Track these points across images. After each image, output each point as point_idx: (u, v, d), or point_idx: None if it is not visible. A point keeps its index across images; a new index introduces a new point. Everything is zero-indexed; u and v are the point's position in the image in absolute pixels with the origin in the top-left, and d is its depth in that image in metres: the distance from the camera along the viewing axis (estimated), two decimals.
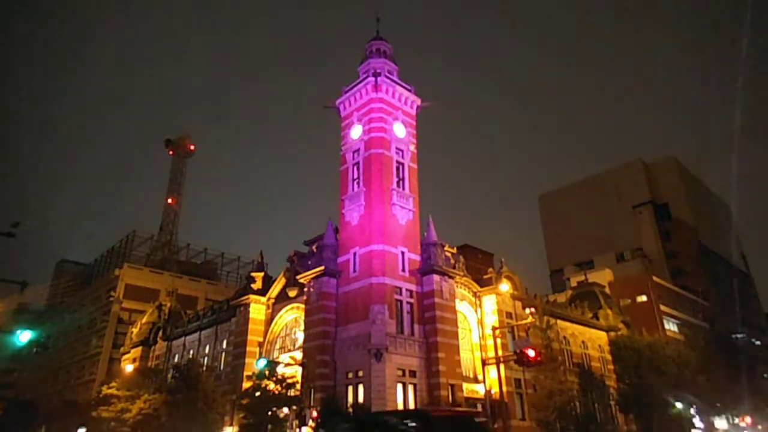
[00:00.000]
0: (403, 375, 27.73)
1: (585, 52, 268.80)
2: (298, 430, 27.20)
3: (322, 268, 30.95)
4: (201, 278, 71.57)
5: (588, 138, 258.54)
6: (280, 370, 28.62)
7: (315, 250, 33.91)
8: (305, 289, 32.49)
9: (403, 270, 30.59)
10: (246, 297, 37.21)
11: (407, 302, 30.08)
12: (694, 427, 41.52)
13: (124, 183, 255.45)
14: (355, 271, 30.72)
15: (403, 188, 33.13)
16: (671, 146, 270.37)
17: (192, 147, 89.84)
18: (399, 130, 34.63)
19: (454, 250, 36.29)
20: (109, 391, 36.05)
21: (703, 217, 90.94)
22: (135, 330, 53.70)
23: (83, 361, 61.78)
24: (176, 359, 44.33)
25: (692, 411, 40.66)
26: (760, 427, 47.44)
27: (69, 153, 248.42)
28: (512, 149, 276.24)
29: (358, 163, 33.88)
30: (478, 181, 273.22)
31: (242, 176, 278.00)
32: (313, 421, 25.87)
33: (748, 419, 46.66)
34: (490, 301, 35.39)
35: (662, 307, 62.49)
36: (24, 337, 19.71)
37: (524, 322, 29.95)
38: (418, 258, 31.61)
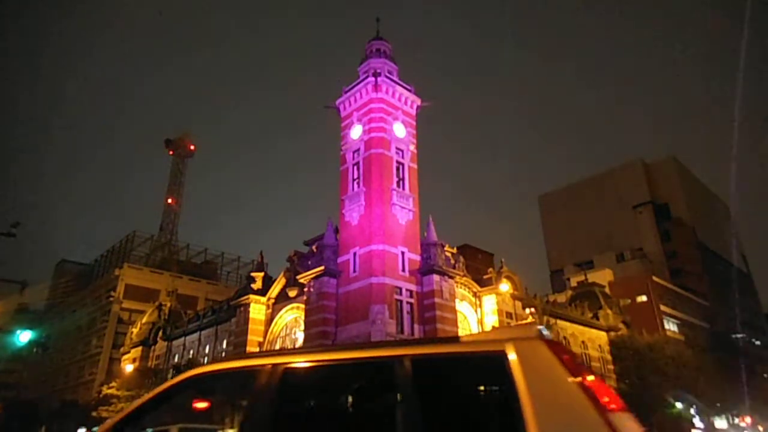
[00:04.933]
0: None
1: (585, 52, 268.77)
2: None
3: (322, 268, 30.95)
4: (201, 278, 71.50)
5: (588, 138, 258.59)
6: None
7: (315, 250, 33.92)
8: (305, 289, 32.49)
9: (403, 270, 30.59)
10: (246, 297, 37.19)
11: (407, 302, 30.09)
12: (694, 427, 41.53)
13: (124, 183, 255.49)
14: (355, 271, 30.71)
15: (403, 188, 33.12)
16: (671, 146, 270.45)
17: (192, 147, 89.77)
18: (399, 130, 34.62)
19: (454, 250, 36.29)
20: (109, 391, 36.10)
21: (703, 217, 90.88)
22: (135, 330, 53.69)
23: (83, 361, 61.76)
24: (176, 359, 44.33)
25: (692, 411, 40.69)
26: (760, 427, 47.49)
27: (69, 153, 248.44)
28: (512, 149, 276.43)
29: (358, 163, 33.87)
30: (478, 181, 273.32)
31: (242, 176, 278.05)
32: None
33: (748, 419, 46.73)
34: (490, 301, 35.39)
35: (662, 307, 62.44)
36: (24, 337, 19.75)
37: (524, 322, 29.95)
38: (418, 258, 31.61)
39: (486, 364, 2.75)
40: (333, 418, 3.05)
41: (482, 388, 2.84)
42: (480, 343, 2.90)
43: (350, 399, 3.11)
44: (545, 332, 2.87)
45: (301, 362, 3.17)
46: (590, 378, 2.59)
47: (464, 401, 2.79)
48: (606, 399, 2.51)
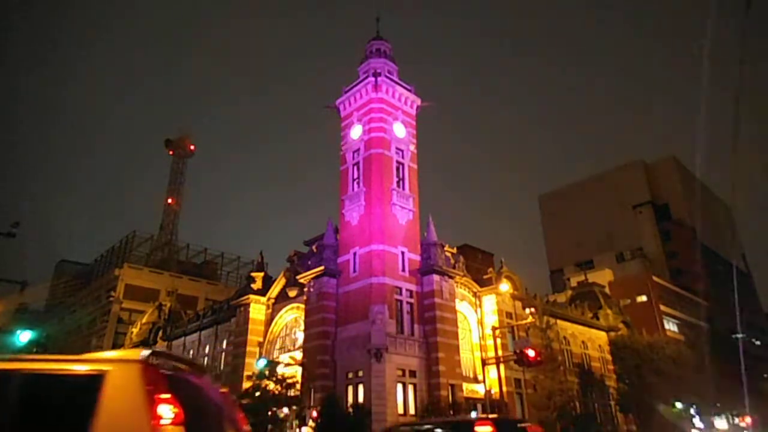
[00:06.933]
0: (403, 375, 27.75)
1: (585, 52, 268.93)
2: (298, 430, 27.21)
3: (322, 268, 30.96)
4: (201, 278, 71.44)
5: (588, 138, 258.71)
6: (280, 370, 28.64)
7: (315, 250, 33.93)
8: (305, 289, 32.49)
9: (403, 270, 30.59)
10: (246, 297, 37.21)
11: (407, 302, 30.09)
12: (694, 427, 41.53)
13: (124, 183, 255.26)
14: (355, 271, 30.72)
15: (403, 188, 33.13)
16: (671, 146, 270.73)
17: (192, 147, 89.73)
18: (399, 130, 34.64)
19: (454, 250, 36.30)
20: None
21: (703, 217, 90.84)
22: (135, 330, 53.71)
23: None
24: None
25: (692, 411, 40.71)
26: (760, 427, 47.42)
27: (69, 153, 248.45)
28: (512, 149, 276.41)
29: (358, 163, 33.88)
30: (478, 181, 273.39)
31: (242, 176, 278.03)
32: (313, 421, 25.88)
33: (748, 419, 46.69)
34: (490, 301, 35.39)
35: (662, 307, 62.49)
36: (24, 337, 19.76)
37: (524, 322, 29.94)
38: (418, 258, 31.62)
39: (88, 382, 3.12)
40: None
41: (79, 402, 3.09)
42: (91, 362, 3.24)
43: None
44: (165, 355, 3.31)
45: None
46: (165, 396, 3.05)
47: (61, 415, 3.11)
48: (163, 416, 2.98)
